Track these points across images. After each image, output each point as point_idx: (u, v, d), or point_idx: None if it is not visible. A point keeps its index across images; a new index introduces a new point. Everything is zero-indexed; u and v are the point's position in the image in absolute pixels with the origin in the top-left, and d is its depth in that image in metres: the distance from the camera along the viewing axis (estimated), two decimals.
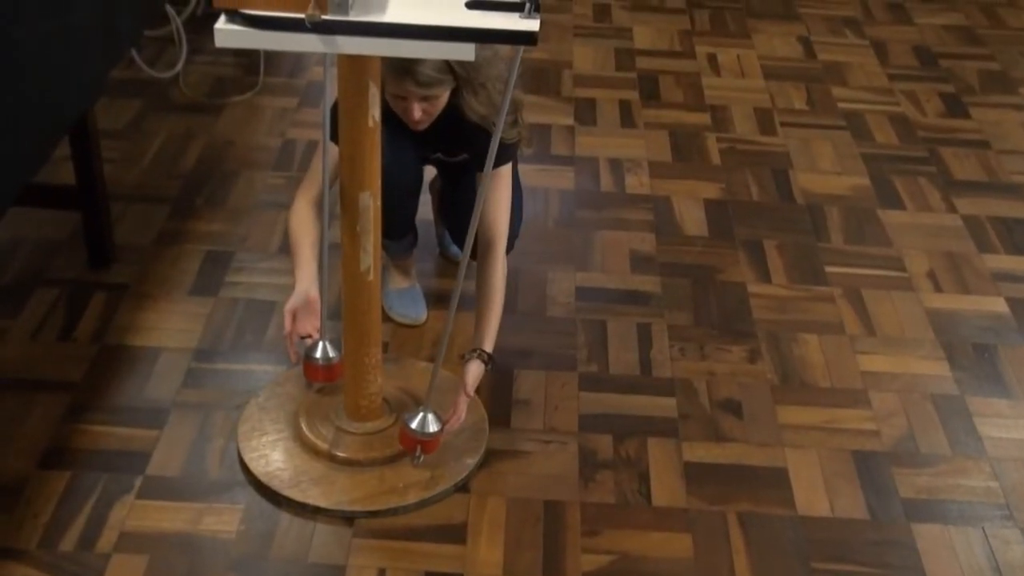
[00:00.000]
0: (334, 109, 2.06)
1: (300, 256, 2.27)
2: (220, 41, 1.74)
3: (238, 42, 1.74)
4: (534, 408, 2.43)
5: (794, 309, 2.77)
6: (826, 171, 3.35)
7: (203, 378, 2.46)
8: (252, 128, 3.42)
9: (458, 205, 2.59)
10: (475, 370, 2.24)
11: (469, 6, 1.77)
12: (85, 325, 2.58)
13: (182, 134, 3.35)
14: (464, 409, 2.24)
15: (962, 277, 2.91)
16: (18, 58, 2.03)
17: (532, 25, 1.76)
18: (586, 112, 3.61)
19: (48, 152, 2.28)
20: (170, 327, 2.60)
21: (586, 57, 3.96)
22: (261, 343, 2.57)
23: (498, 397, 2.45)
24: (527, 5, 1.76)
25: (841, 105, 3.72)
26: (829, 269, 2.91)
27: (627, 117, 3.59)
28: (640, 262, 2.91)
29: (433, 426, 2.17)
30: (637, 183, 3.24)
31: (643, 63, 3.94)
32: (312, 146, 3.31)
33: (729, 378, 2.54)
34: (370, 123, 2.00)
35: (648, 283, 2.84)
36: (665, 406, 2.46)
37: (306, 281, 2.24)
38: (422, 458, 2.20)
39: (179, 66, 3.62)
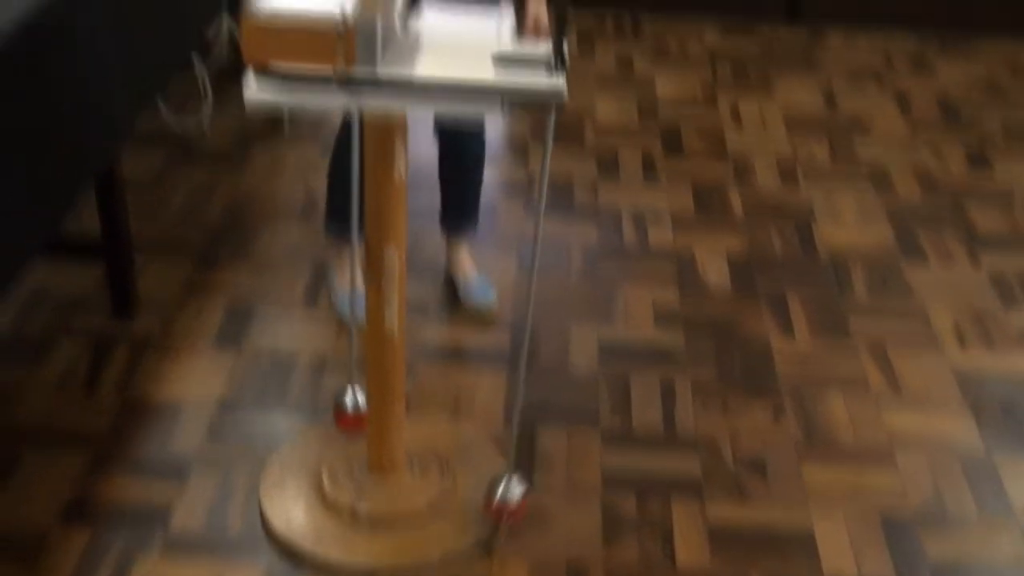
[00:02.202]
0: None
1: None
2: (250, 99, 1.75)
3: (267, 99, 1.75)
4: (556, 465, 2.42)
5: (818, 365, 2.75)
6: (849, 224, 3.34)
7: (225, 432, 2.45)
8: (276, 179, 3.43)
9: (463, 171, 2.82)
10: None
11: (496, 63, 1.78)
12: (108, 377, 2.58)
13: (207, 185, 3.37)
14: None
15: (988, 334, 2.89)
16: (44, 105, 2.05)
17: (559, 83, 1.76)
18: (609, 163, 3.61)
19: (73, 201, 2.29)
20: (193, 380, 2.59)
21: (609, 108, 3.97)
22: (284, 397, 2.56)
23: (520, 454, 2.43)
24: (554, 62, 1.77)
25: (864, 158, 3.71)
26: (853, 324, 2.90)
27: (649, 169, 3.59)
28: (663, 316, 2.90)
29: (517, 489, 2.14)
30: (660, 236, 3.24)
31: (665, 114, 3.95)
32: None
33: (753, 436, 2.52)
34: (396, 178, 2.01)
35: (671, 337, 2.83)
36: (689, 464, 2.44)
37: None
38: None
39: (205, 117, 3.65)
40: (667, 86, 4.16)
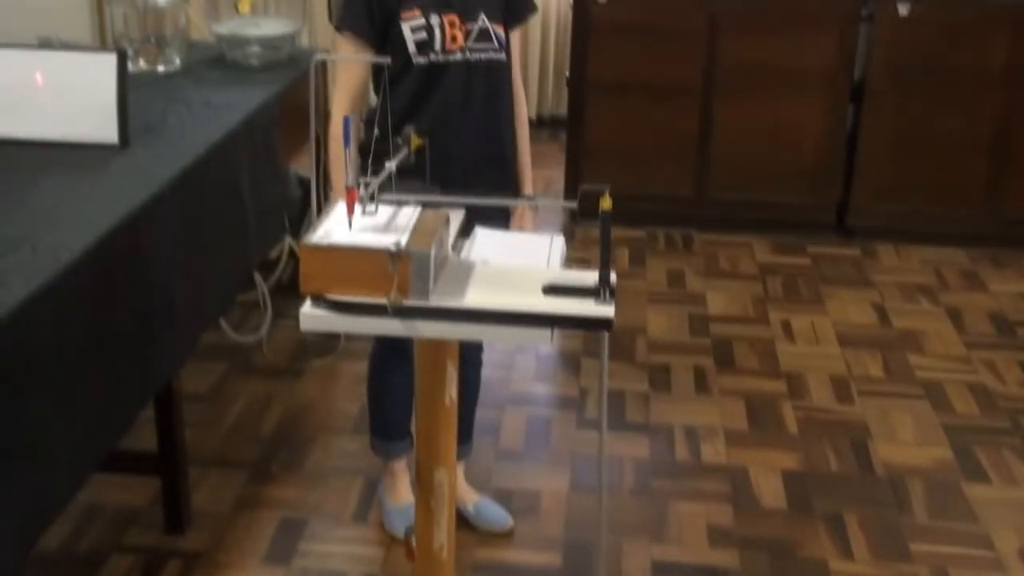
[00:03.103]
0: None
1: (339, 182, 2.48)
2: (305, 326, 1.80)
3: (322, 326, 1.80)
4: None
5: None
6: (906, 442, 3.30)
7: None
8: (331, 392, 3.48)
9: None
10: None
11: (546, 292, 1.82)
12: None
13: (263, 398, 3.42)
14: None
15: None
16: (110, 328, 2.11)
17: (607, 311, 1.79)
18: (660, 378, 3.62)
19: (132, 420, 2.34)
20: None
21: (660, 323, 4.00)
22: None
23: None
24: (602, 291, 1.80)
25: (919, 373, 3.69)
26: (914, 546, 2.82)
27: (701, 384, 3.60)
28: (717, 535, 2.85)
29: None
30: (713, 452, 3.21)
31: (717, 329, 3.97)
32: None
33: None
34: (447, 401, 2.03)
35: (726, 558, 2.77)
36: None
37: None
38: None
39: (263, 331, 3.73)
40: (718, 301, 4.19)
